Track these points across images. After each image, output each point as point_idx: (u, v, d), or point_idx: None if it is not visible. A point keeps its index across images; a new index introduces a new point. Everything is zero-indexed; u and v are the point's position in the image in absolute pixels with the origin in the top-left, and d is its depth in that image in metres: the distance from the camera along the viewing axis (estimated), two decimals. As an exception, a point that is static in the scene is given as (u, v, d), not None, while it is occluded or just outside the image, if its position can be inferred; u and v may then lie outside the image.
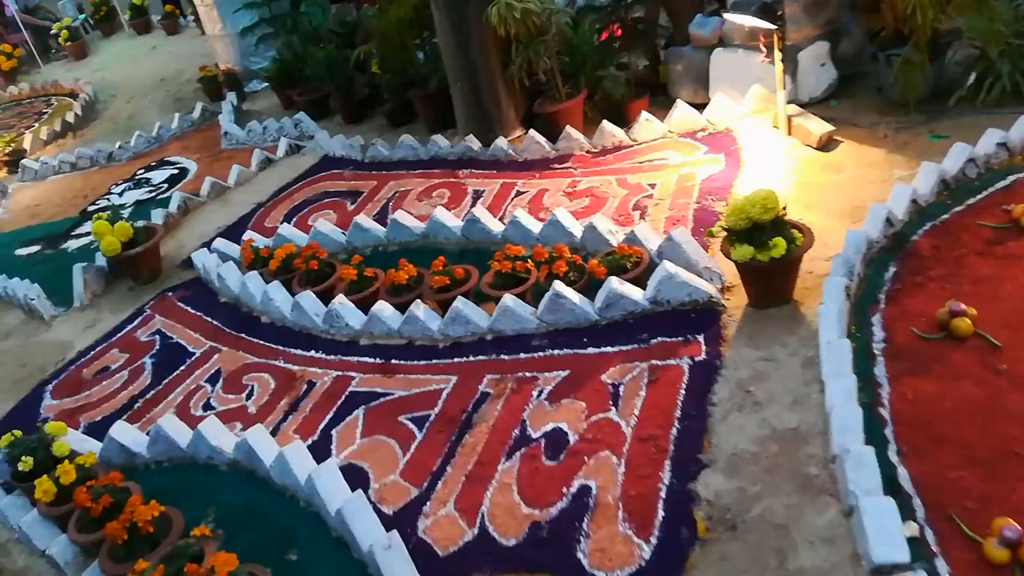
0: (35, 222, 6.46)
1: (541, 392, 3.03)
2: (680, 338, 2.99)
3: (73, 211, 6.44)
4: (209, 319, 4.35)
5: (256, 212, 5.43)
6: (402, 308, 3.65)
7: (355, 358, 3.63)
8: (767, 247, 2.82)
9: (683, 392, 2.76)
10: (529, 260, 3.51)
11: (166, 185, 6.42)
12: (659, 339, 3.02)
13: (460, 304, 3.43)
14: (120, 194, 6.50)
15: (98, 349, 4.43)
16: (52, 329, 4.79)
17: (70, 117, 8.68)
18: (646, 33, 5.00)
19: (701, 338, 2.96)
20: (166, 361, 4.12)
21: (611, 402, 2.84)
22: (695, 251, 3.22)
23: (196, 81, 8.90)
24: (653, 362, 2.93)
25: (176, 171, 6.67)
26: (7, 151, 7.81)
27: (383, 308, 3.65)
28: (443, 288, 3.61)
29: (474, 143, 5.00)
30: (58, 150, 8.17)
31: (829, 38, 4.27)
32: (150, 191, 6.37)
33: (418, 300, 3.60)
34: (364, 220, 4.46)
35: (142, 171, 6.87)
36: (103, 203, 6.42)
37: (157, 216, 5.44)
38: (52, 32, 12.23)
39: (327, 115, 6.80)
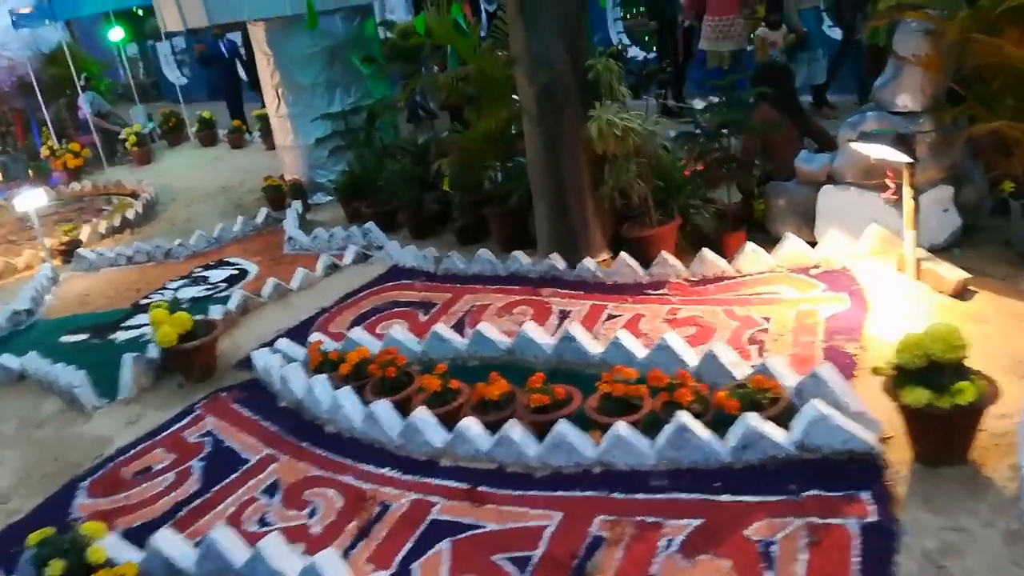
0: (84, 311, 6.13)
1: (670, 543, 2.52)
2: (840, 493, 2.51)
3: (125, 303, 6.13)
4: (267, 424, 3.90)
5: (320, 316, 5.08)
6: (491, 428, 3.21)
7: (436, 480, 3.15)
8: (948, 392, 2.40)
9: (858, 560, 2.25)
10: (644, 385, 3.09)
11: (225, 284, 6.13)
12: (813, 492, 2.54)
13: (564, 429, 2.98)
14: (176, 290, 6.20)
15: (141, 447, 3.95)
16: (92, 421, 4.34)
17: (130, 214, 8.57)
18: (743, 165, 4.81)
19: (866, 496, 2.48)
20: (217, 466, 3.64)
21: (763, 564, 2.33)
22: (846, 392, 2.79)
23: (260, 191, 8.87)
24: (810, 520, 2.44)
25: (236, 271, 6.40)
26: (64, 240, 7.63)
27: (470, 426, 3.20)
28: (541, 408, 3.18)
29: (558, 262, 4.71)
30: (115, 244, 7.99)
31: (952, 183, 4.03)
32: (208, 289, 6.07)
33: (513, 420, 3.16)
34: (443, 330, 4.09)
35: (200, 269, 6.61)
36: (155, 296, 6.11)
37: (216, 312, 5.10)
38: (120, 137, 12.47)
39: (394, 228, 6.60)
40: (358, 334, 4.29)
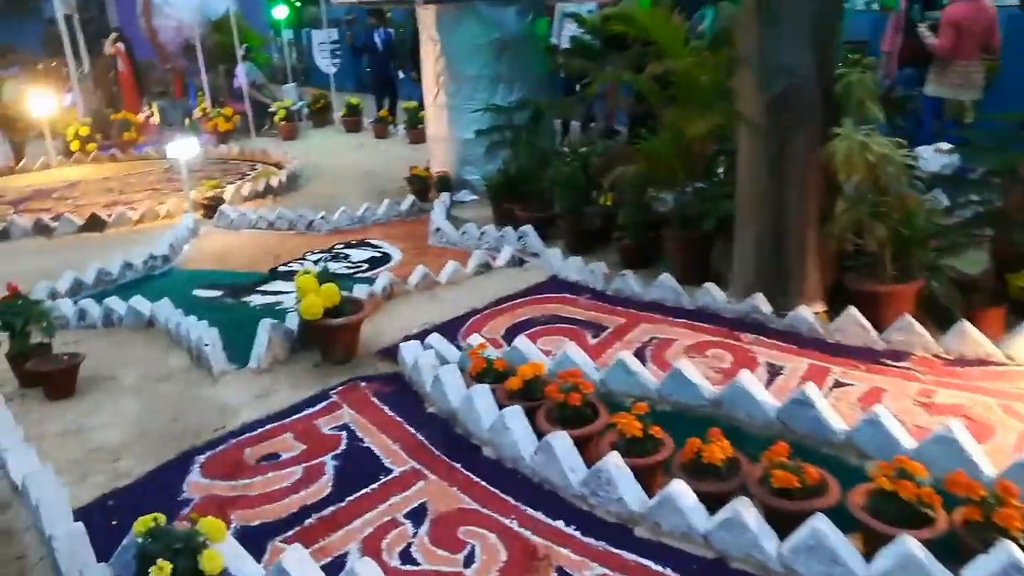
0: (220, 268, 5.73)
1: None
2: None
3: (262, 267, 5.69)
4: (413, 430, 3.25)
5: (471, 316, 4.45)
6: (707, 501, 2.45)
7: (631, 556, 2.40)
8: None
9: None
10: (932, 489, 2.26)
11: (366, 265, 5.61)
12: None
13: (824, 529, 2.18)
14: (315, 262, 5.72)
15: (268, 428, 3.38)
16: (217, 386, 3.81)
17: (273, 182, 8.27)
18: (1013, 225, 3.86)
19: None
20: (353, 470, 3.01)
21: None
22: None
23: (403, 179, 8.43)
24: None
25: (378, 254, 5.88)
26: (208, 195, 7.34)
27: (683, 493, 2.45)
28: (785, 492, 2.39)
29: (763, 305, 3.91)
30: (256, 208, 7.66)
31: None
32: (349, 267, 5.56)
33: (744, 499, 2.38)
34: (631, 360, 3.35)
35: (341, 246, 6.13)
36: (296, 267, 5.65)
37: (359, 292, 4.54)
38: (270, 110, 12.42)
39: (548, 238, 5.94)
40: (524, 344, 3.61)
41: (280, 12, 13.23)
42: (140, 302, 4.56)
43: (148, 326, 4.53)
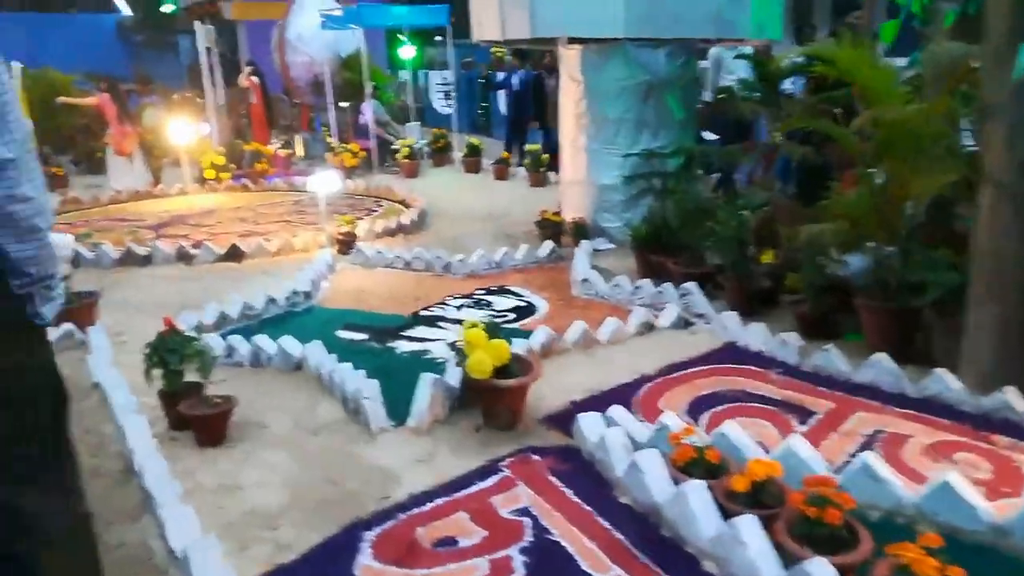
0: (360, 308, 5.45)
1: None
2: None
3: (403, 310, 5.37)
4: (608, 526, 2.76)
5: (642, 384, 3.95)
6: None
7: None
8: None
9: None
10: None
11: (511, 315, 5.21)
12: None
13: None
14: (458, 308, 5.37)
15: (439, 503, 2.95)
16: (375, 445, 3.44)
17: (404, 220, 8.07)
18: None
19: None
20: (548, 571, 2.54)
21: None
22: None
23: (533, 223, 8.10)
24: None
25: (522, 303, 5.48)
26: (343, 230, 7.17)
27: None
28: None
29: (1016, 400, 3.25)
30: (387, 245, 7.46)
31: None
32: (494, 316, 5.17)
33: None
34: (878, 464, 2.76)
35: (482, 292, 5.77)
36: (437, 311, 5.31)
37: (519, 346, 4.11)
38: (393, 147, 12.43)
39: (706, 296, 5.41)
40: (734, 432, 3.06)
41: (407, 52, 13.34)
42: (290, 343, 4.28)
43: (297, 368, 4.24)
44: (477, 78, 17.27)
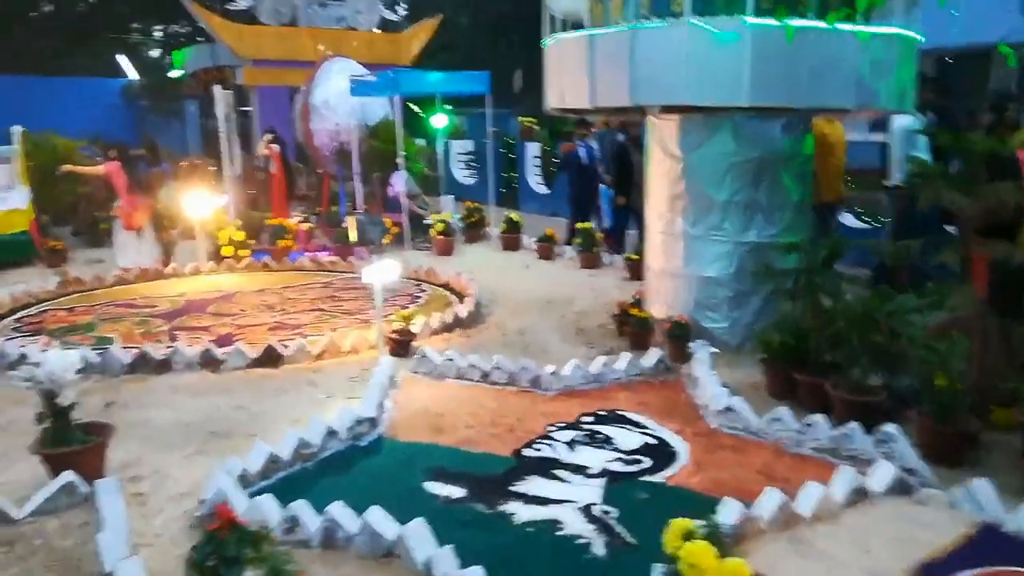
0: (442, 441, 4.25)
1: None
2: None
3: (497, 445, 4.19)
4: None
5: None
6: None
7: None
8: None
9: None
10: None
11: (646, 460, 4.01)
12: None
13: None
14: (569, 445, 4.19)
15: None
16: None
17: (461, 312, 6.94)
18: None
19: None
20: None
21: None
22: None
23: (610, 316, 7.00)
24: None
25: (651, 439, 4.29)
26: (398, 329, 6.03)
27: None
28: None
29: None
30: (445, 344, 6.31)
31: None
32: (623, 462, 3.98)
33: None
34: None
35: (590, 420, 4.59)
36: (546, 450, 4.12)
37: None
38: (426, 222, 11.42)
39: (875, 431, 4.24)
40: None
41: (440, 121, 12.46)
42: (380, 519, 3.07)
43: (387, 556, 3.01)
44: (553, 154, 16.13)
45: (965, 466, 3.95)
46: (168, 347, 5.57)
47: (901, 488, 3.52)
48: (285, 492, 3.54)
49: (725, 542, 2.36)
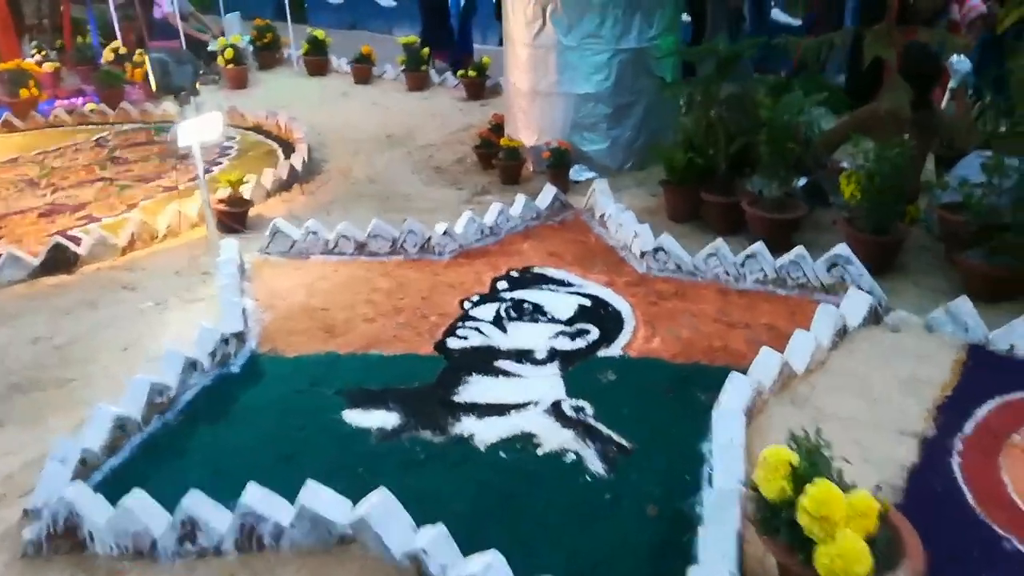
0: (341, 347, 3.30)
1: None
2: None
3: (411, 338, 3.33)
4: None
5: (940, 459, 2.43)
6: None
7: None
8: None
9: None
10: None
11: (593, 331, 3.37)
12: None
13: None
14: (497, 323, 3.43)
15: None
16: None
17: (297, 164, 5.65)
18: None
19: None
20: None
21: None
22: None
23: (472, 150, 6.06)
24: None
25: (584, 301, 3.64)
26: (227, 197, 4.72)
27: None
28: None
29: None
30: (286, 209, 5.11)
31: None
32: (569, 335, 3.32)
33: None
34: None
35: (504, 284, 3.83)
36: (470, 334, 3.34)
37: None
38: (210, 49, 9.31)
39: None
40: None
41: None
42: (334, 505, 2.17)
43: (340, 542, 2.18)
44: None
45: (895, 272, 3.77)
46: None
47: (875, 319, 3.21)
48: (149, 469, 2.53)
49: (820, 462, 1.81)
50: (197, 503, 2.18)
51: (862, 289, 3.36)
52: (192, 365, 2.99)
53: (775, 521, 1.76)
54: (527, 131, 5.73)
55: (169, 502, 2.22)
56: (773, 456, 1.76)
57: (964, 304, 3.02)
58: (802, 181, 4.42)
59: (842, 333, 3.08)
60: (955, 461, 2.40)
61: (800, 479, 1.72)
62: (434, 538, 1.99)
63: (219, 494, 2.24)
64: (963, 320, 3.00)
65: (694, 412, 2.72)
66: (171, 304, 3.79)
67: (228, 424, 2.79)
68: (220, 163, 6.08)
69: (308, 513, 2.14)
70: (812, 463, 1.76)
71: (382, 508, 2.10)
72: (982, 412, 2.62)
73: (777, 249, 3.70)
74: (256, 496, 2.19)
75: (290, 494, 2.21)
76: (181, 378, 2.93)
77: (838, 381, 2.85)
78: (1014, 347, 2.89)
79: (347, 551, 2.17)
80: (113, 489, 2.33)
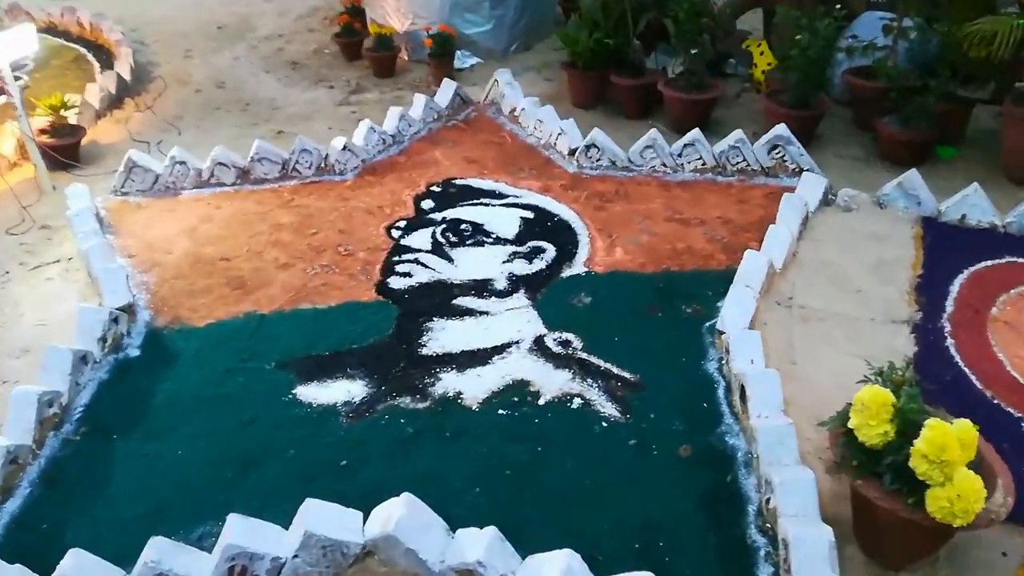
0: (263, 307, 2.73)
1: None
2: None
3: (346, 284, 2.83)
4: None
5: (929, 336, 2.41)
6: None
7: None
8: None
9: None
10: None
11: (549, 247, 3.02)
12: None
13: None
14: (436, 251, 2.99)
15: None
16: None
17: (125, 73, 4.60)
18: None
19: None
20: None
21: None
22: None
23: (332, 39, 5.24)
24: None
25: (526, 212, 3.25)
26: (49, 126, 3.74)
27: None
28: None
29: None
30: (124, 133, 4.17)
31: None
32: (524, 257, 2.95)
33: None
34: None
35: (429, 204, 3.35)
36: (414, 268, 2.89)
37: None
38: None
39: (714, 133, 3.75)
40: None
41: None
42: (332, 517, 1.74)
43: (355, 561, 1.80)
44: None
45: (815, 144, 3.71)
46: None
47: (829, 199, 3.12)
48: (61, 509, 1.96)
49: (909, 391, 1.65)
50: (162, 551, 1.69)
51: (803, 169, 3.25)
52: (82, 359, 2.34)
53: (874, 466, 1.60)
54: (397, 15, 5.01)
55: (106, 547, 1.71)
56: (872, 400, 1.56)
57: (915, 178, 2.99)
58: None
59: (805, 220, 2.96)
60: (951, 344, 2.39)
61: (911, 423, 1.55)
62: (489, 545, 1.66)
63: (169, 528, 1.77)
64: (915, 194, 2.97)
65: (686, 329, 2.52)
66: (13, 275, 2.97)
67: (149, 430, 2.21)
68: (19, 78, 4.82)
69: (316, 539, 1.72)
70: (912, 398, 1.58)
71: (410, 519, 1.73)
72: (955, 288, 2.62)
73: (691, 130, 3.48)
74: (240, 530, 1.73)
75: (270, 512, 1.78)
76: (71, 379, 2.28)
77: (812, 274, 2.75)
78: (965, 216, 2.90)
79: (365, 568, 1.79)
80: (20, 539, 1.78)
